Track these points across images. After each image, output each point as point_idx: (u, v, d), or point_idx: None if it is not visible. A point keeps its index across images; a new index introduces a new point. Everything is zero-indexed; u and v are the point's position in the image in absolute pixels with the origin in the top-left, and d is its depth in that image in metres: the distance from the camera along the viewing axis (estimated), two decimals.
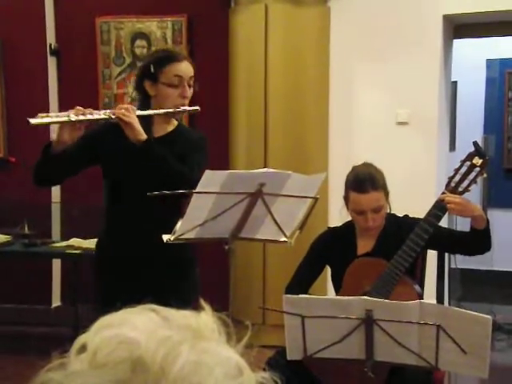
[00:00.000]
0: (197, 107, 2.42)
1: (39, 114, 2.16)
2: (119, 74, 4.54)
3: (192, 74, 2.39)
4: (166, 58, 2.35)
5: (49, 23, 4.63)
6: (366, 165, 2.52)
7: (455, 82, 5.42)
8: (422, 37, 4.05)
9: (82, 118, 2.17)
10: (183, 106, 2.35)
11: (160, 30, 4.45)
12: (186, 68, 2.36)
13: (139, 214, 2.33)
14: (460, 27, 4.33)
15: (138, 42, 4.49)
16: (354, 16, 4.13)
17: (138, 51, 4.50)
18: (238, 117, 4.20)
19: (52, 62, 4.67)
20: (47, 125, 2.19)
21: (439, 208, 2.33)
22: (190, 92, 2.38)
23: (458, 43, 4.49)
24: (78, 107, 2.21)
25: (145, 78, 2.36)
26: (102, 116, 2.21)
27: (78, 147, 2.28)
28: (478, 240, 2.41)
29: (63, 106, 4.69)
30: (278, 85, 4.08)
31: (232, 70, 4.21)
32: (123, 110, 2.21)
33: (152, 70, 2.33)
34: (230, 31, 4.22)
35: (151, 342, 0.58)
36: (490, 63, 5.96)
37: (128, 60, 4.53)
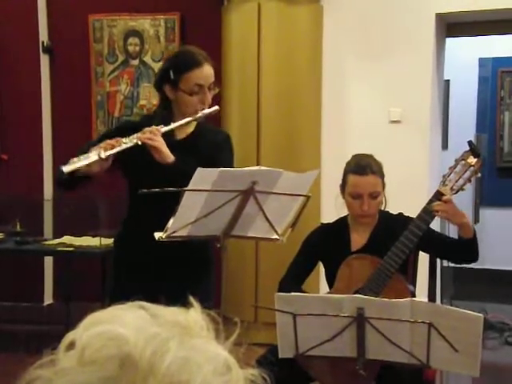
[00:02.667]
0: (216, 107, 2.37)
1: (70, 160, 2.16)
2: (112, 71, 4.53)
3: (213, 78, 2.33)
4: (186, 65, 2.29)
5: (41, 21, 4.62)
6: (367, 154, 2.56)
7: (448, 81, 5.43)
8: (414, 35, 4.06)
9: (110, 152, 2.16)
10: (203, 110, 2.32)
11: (153, 27, 4.45)
12: (206, 74, 2.30)
13: (158, 214, 2.30)
14: (453, 26, 4.34)
15: (131, 40, 4.48)
16: (346, 14, 4.13)
17: (130, 49, 4.49)
18: (230, 115, 4.20)
19: (45, 60, 4.66)
20: (80, 169, 2.17)
21: (428, 212, 2.34)
22: (210, 96, 2.33)
23: (450, 42, 4.50)
24: (107, 141, 2.20)
25: (165, 82, 2.32)
26: (130, 144, 2.20)
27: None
28: (465, 249, 2.43)
29: (56, 104, 4.69)
30: (270, 83, 4.08)
31: (225, 68, 4.21)
32: (149, 134, 2.20)
33: (172, 76, 2.29)
34: (222, 29, 4.22)
35: (140, 338, 0.57)
36: (482, 62, 5.98)
37: (121, 58, 4.52)
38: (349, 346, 2.10)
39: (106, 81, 4.55)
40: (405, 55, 4.07)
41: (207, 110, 2.33)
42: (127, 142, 2.20)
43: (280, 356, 2.20)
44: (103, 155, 2.14)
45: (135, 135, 2.22)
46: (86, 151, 2.21)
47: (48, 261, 4.74)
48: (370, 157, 2.54)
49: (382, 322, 2.04)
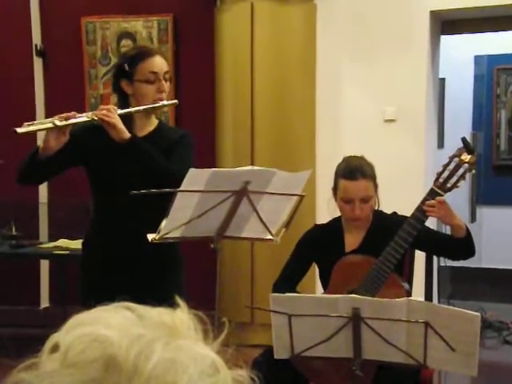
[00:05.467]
0: (175, 101, 2.45)
1: (25, 123, 2.19)
2: (105, 74, 4.52)
3: (166, 68, 2.39)
4: (138, 56, 2.36)
5: (34, 24, 4.60)
6: (357, 156, 2.54)
7: (443, 79, 5.42)
8: (409, 33, 4.05)
9: (65, 122, 2.19)
10: (161, 100, 2.36)
11: (146, 29, 4.44)
12: (159, 63, 2.37)
13: (126, 213, 2.33)
14: (447, 23, 4.33)
15: (124, 42, 4.47)
16: (340, 13, 4.12)
17: (123, 51, 4.48)
18: (224, 115, 4.19)
19: (38, 63, 4.65)
20: (33, 132, 2.20)
21: (422, 210, 2.34)
22: (167, 86, 2.38)
23: (445, 39, 4.49)
24: (62, 113, 2.23)
25: (120, 78, 2.38)
26: (85, 118, 2.23)
27: (63, 150, 2.27)
28: (459, 247, 2.42)
29: (49, 107, 4.67)
30: (264, 83, 4.07)
31: (218, 68, 4.20)
32: (105, 111, 2.23)
33: (126, 68, 2.35)
34: (215, 30, 4.22)
35: (124, 340, 0.56)
36: (478, 60, 5.97)
37: (114, 60, 4.50)
38: (345, 346, 2.09)
39: (99, 83, 4.54)
40: (399, 53, 4.06)
41: (165, 102, 2.37)
42: (83, 116, 2.23)
43: (276, 357, 2.18)
44: (58, 123, 2.16)
45: (91, 112, 2.26)
46: None
47: (44, 264, 4.73)
48: (361, 159, 2.52)
49: (377, 321, 2.02)
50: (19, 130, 2.15)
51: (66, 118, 2.18)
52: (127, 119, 2.32)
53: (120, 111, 2.28)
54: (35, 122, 2.22)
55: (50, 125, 2.17)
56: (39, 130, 2.20)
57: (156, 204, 2.24)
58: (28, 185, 2.49)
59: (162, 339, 0.57)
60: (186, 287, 2.42)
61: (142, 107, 2.33)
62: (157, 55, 2.38)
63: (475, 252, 2.45)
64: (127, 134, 2.23)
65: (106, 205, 2.38)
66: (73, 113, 2.22)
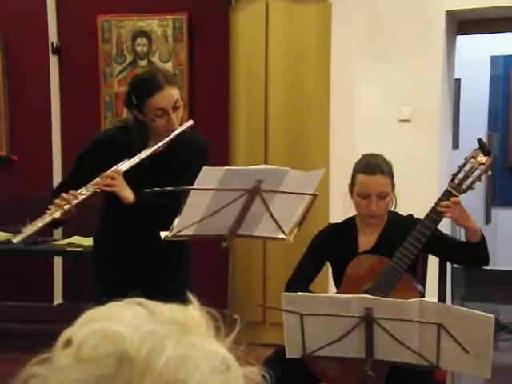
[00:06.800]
0: (190, 123, 2.37)
1: (21, 230, 2.19)
2: (120, 72, 4.54)
3: (176, 97, 2.30)
4: (146, 90, 2.28)
5: (51, 22, 4.63)
6: (377, 154, 2.54)
7: (459, 80, 5.39)
8: (424, 33, 4.02)
9: (66, 208, 2.18)
10: (174, 131, 2.30)
11: (161, 28, 4.45)
12: (167, 97, 2.28)
13: (134, 213, 2.34)
14: (463, 23, 4.30)
15: (139, 41, 4.48)
16: (355, 12, 4.11)
17: (138, 49, 4.50)
18: (238, 114, 4.19)
19: (54, 61, 4.68)
20: (32, 234, 2.20)
21: (437, 211, 2.32)
22: (178, 115, 2.32)
23: (461, 40, 4.46)
24: (62, 195, 2.20)
25: (131, 106, 2.34)
26: (89, 194, 2.23)
27: (75, 175, 2.33)
28: (472, 252, 2.40)
29: (65, 104, 4.70)
30: (278, 82, 4.07)
31: (232, 67, 4.20)
32: (109, 180, 2.23)
33: (134, 101, 2.30)
34: (230, 29, 4.21)
35: (136, 336, 0.57)
36: (494, 60, 5.93)
37: (129, 58, 4.52)
38: (357, 346, 2.08)
39: (114, 81, 4.55)
40: (415, 53, 4.04)
41: (178, 130, 2.32)
42: (85, 193, 2.22)
43: (287, 356, 2.18)
44: (58, 215, 2.17)
45: (94, 181, 2.24)
46: (54, 196, 2.25)
47: (57, 261, 4.75)
48: (380, 157, 2.52)
49: (390, 322, 2.02)
50: (16, 240, 2.19)
51: (67, 203, 2.17)
52: (142, 133, 2.32)
53: (124, 168, 2.26)
54: (33, 222, 2.20)
55: (50, 218, 2.17)
56: (37, 229, 2.18)
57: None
58: None
59: (174, 335, 0.57)
60: (193, 283, 2.42)
61: (151, 150, 2.30)
62: (166, 87, 2.28)
63: (489, 260, 2.42)
64: (131, 198, 2.24)
65: (113, 204, 2.38)
66: (72, 193, 2.19)
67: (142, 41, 4.48)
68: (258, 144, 4.11)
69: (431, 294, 2.68)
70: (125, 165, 2.27)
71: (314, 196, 2.19)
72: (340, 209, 2.59)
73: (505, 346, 4.27)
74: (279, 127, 4.09)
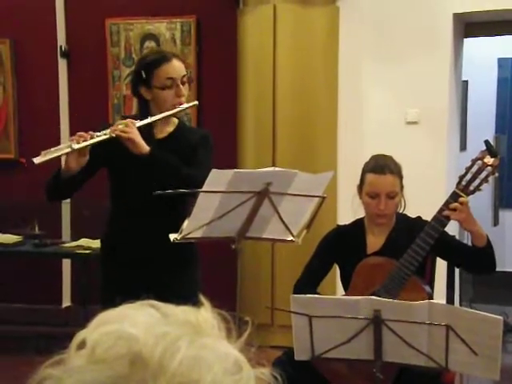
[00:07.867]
0: (195, 102, 2.44)
1: (42, 152, 2.20)
2: (128, 75, 4.55)
3: (184, 71, 2.38)
4: (154, 62, 2.34)
5: (59, 25, 4.65)
6: (386, 155, 2.55)
7: (466, 82, 5.38)
8: (432, 35, 4.02)
9: (83, 144, 2.20)
10: (181, 104, 2.36)
11: (169, 31, 4.46)
12: (176, 67, 2.35)
13: (144, 214, 2.35)
14: (471, 26, 4.29)
15: (148, 44, 4.50)
16: (362, 15, 4.11)
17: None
18: (246, 116, 4.20)
19: (62, 64, 4.70)
20: (52, 160, 2.22)
21: (444, 214, 2.32)
22: (185, 89, 2.37)
23: (468, 42, 4.46)
24: (78, 133, 2.24)
25: (139, 84, 2.38)
26: (103, 137, 2.24)
27: (85, 166, 2.31)
28: (478, 257, 2.40)
29: (73, 107, 4.72)
30: (286, 85, 4.07)
31: (240, 70, 4.21)
32: (123, 127, 2.24)
33: (144, 75, 2.34)
34: (238, 32, 4.22)
35: (150, 337, 0.57)
36: (501, 62, 5.92)
37: None
38: (365, 348, 2.09)
39: (122, 84, 4.57)
40: (422, 56, 4.04)
41: (185, 105, 2.37)
42: (100, 135, 2.24)
43: (296, 358, 2.18)
44: (75, 146, 2.17)
45: (109, 129, 2.26)
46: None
47: (66, 263, 4.77)
48: (389, 157, 2.53)
49: (399, 324, 2.02)
50: (36, 160, 2.17)
51: (84, 140, 2.19)
52: (147, 124, 2.33)
53: (139, 123, 2.28)
54: (52, 149, 2.22)
55: (68, 149, 2.19)
56: (58, 156, 2.21)
57: (174, 205, 2.27)
58: (57, 201, 2.51)
59: (187, 337, 0.58)
60: (201, 284, 2.43)
61: (160, 116, 2.33)
62: (174, 59, 2.36)
63: (495, 266, 2.42)
64: (146, 148, 2.25)
65: (123, 203, 2.40)
66: (90, 132, 2.23)
67: (150, 44, 4.49)
68: (266, 147, 4.12)
69: (439, 295, 2.67)
70: (137, 122, 2.29)
71: (323, 198, 2.20)
72: (348, 211, 2.59)
73: None
74: (287, 130, 4.09)
